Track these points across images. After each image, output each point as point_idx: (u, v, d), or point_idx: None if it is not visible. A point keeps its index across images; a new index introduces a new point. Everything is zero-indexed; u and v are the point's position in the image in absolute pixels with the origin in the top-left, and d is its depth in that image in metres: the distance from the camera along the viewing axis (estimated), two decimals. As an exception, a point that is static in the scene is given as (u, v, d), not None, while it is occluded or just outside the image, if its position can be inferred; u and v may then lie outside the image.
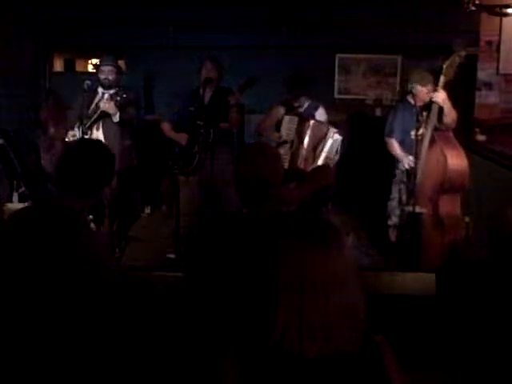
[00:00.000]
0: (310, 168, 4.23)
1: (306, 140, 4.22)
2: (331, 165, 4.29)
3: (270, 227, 1.84)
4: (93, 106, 4.51)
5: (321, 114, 4.49)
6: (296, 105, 4.37)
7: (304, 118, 4.31)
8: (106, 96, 4.53)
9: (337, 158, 4.30)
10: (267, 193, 2.09)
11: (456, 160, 3.86)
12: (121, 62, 6.86)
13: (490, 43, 5.31)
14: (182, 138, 4.41)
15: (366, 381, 1.24)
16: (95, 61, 6.44)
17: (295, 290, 1.24)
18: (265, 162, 2.12)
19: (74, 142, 2.51)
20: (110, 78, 4.51)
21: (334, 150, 4.24)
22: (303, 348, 1.22)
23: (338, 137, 4.25)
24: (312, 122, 4.29)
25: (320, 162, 4.25)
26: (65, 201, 1.87)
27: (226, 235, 2.10)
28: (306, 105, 4.46)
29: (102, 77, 4.52)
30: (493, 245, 1.90)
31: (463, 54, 3.73)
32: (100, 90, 4.56)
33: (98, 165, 1.96)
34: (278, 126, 4.37)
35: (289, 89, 4.41)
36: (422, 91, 4.11)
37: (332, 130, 4.26)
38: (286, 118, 4.32)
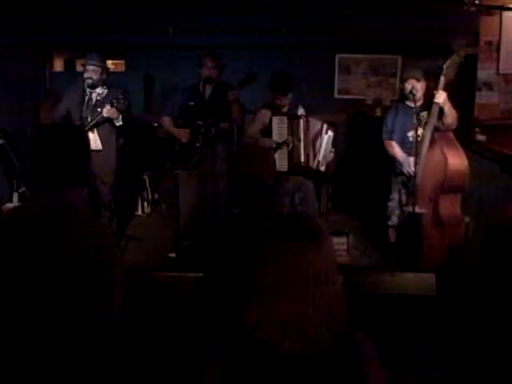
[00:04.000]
0: (312, 163, 4.24)
1: (302, 136, 4.21)
2: (327, 160, 4.32)
3: (249, 224, 1.88)
4: (84, 107, 4.49)
5: (301, 111, 4.48)
6: (283, 103, 4.32)
7: (293, 116, 4.30)
8: (94, 94, 4.51)
9: (332, 155, 4.33)
10: (262, 190, 2.13)
11: (456, 160, 3.84)
12: (121, 62, 6.90)
13: (489, 43, 5.31)
14: (182, 135, 4.42)
15: (342, 377, 1.25)
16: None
17: (268, 287, 1.25)
18: (259, 161, 2.25)
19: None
20: (94, 77, 4.46)
21: (330, 146, 4.29)
22: (276, 343, 1.23)
23: (331, 133, 4.29)
24: (303, 117, 4.28)
25: (321, 158, 4.27)
26: (53, 195, 1.80)
27: (224, 234, 2.14)
28: (288, 103, 4.43)
29: (85, 76, 4.47)
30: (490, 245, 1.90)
31: (463, 54, 3.73)
32: (87, 89, 4.55)
33: (72, 147, 1.82)
34: (267, 130, 4.31)
35: (275, 87, 4.35)
36: (406, 88, 4.13)
37: (325, 126, 4.29)
38: (275, 119, 4.25)
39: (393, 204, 4.34)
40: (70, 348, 1.66)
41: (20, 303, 1.66)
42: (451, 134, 3.98)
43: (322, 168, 4.34)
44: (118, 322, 1.78)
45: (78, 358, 1.67)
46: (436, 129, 3.90)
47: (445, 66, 3.76)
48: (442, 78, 3.78)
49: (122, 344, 1.80)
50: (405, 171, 4.15)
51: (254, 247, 1.30)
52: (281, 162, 4.12)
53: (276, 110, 4.31)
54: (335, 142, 4.46)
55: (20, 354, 1.64)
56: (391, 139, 4.34)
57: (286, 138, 4.18)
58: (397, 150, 4.27)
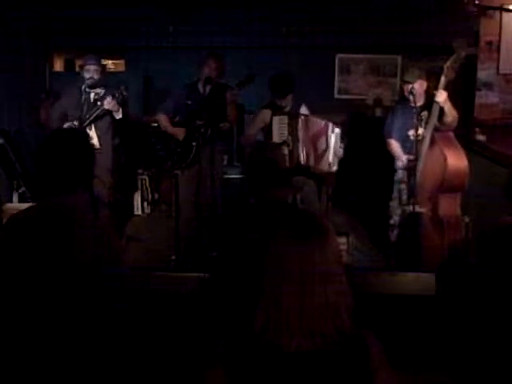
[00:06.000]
0: (315, 163, 4.22)
1: (301, 135, 4.20)
2: (338, 157, 4.30)
3: (258, 223, 1.88)
4: (84, 105, 4.50)
5: (304, 110, 4.46)
6: (284, 104, 4.32)
7: (293, 115, 4.28)
8: (92, 94, 4.52)
9: (342, 150, 4.31)
10: (276, 172, 2.27)
11: (456, 160, 3.85)
12: (121, 62, 6.89)
13: (490, 43, 5.31)
14: (178, 133, 4.42)
15: (348, 376, 1.25)
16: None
17: (275, 286, 1.27)
18: (272, 149, 2.53)
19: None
20: (95, 77, 4.50)
21: (338, 143, 4.27)
22: (283, 342, 1.24)
23: (337, 130, 4.27)
24: (302, 116, 4.26)
25: (331, 158, 4.25)
26: (57, 200, 1.79)
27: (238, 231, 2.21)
28: (290, 103, 4.41)
29: (87, 76, 4.49)
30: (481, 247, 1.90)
31: (463, 54, 3.74)
32: (86, 89, 4.55)
33: (78, 153, 1.83)
34: (268, 129, 4.30)
35: (274, 90, 4.35)
36: (406, 88, 4.14)
37: (330, 125, 4.25)
38: (275, 119, 4.23)
39: (394, 203, 4.34)
40: (81, 346, 1.66)
41: (28, 303, 1.66)
42: (451, 134, 3.99)
43: (334, 168, 4.29)
44: (128, 313, 1.78)
45: (86, 355, 1.67)
46: (436, 129, 3.91)
47: (445, 66, 3.77)
48: (443, 78, 3.79)
49: (127, 340, 1.80)
50: (399, 165, 4.18)
51: (261, 245, 1.30)
52: None
53: (277, 110, 4.30)
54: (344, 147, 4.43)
55: (29, 354, 1.64)
56: (391, 137, 4.35)
57: (286, 137, 4.17)
58: (395, 148, 4.29)
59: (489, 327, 1.84)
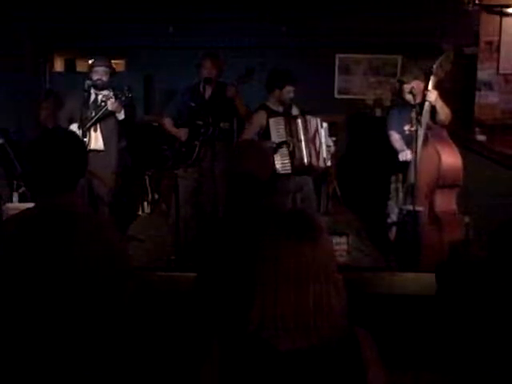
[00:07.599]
0: (316, 162, 4.23)
1: (303, 137, 4.20)
2: (331, 153, 4.36)
3: (249, 221, 1.89)
4: (91, 107, 4.50)
5: (296, 111, 4.45)
6: (288, 97, 4.30)
7: (290, 116, 4.28)
8: (100, 96, 4.52)
9: (332, 144, 4.40)
10: (255, 187, 2.16)
11: (449, 157, 3.92)
12: (121, 62, 6.90)
13: (490, 43, 5.32)
14: (181, 134, 4.44)
15: (341, 373, 1.26)
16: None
17: (271, 284, 1.28)
18: (254, 157, 2.25)
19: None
20: (104, 79, 4.49)
21: (328, 138, 4.35)
22: (278, 340, 1.25)
23: (325, 125, 4.36)
24: (300, 117, 4.26)
25: (325, 154, 4.28)
26: (57, 200, 1.79)
27: (222, 232, 2.16)
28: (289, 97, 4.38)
29: (95, 77, 4.48)
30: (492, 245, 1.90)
31: (452, 55, 3.86)
32: (93, 90, 4.55)
33: (69, 153, 1.80)
34: (265, 132, 4.29)
35: (270, 83, 4.34)
36: (405, 88, 4.17)
37: (319, 120, 4.31)
38: (272, 121, 4.20)
39: (392, 202, 4.37)
40: (82, 345, 1.66)
41: (31, 304, 1.66)
42: (444, 132, 4.05)
43: (329, 163, 4.36)
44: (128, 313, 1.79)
45: (87, 354, 1.68)
46: (429, 127, 3.97)
47: (435, 66, 3.87)
48: (432, 78, 3.89)
49: (127, 338, 1.81)
50: (400, 158, 4.20)
51: (254, 245, 1.32)
52: (283, 163, 4.12)
53: (271, 111, 4.30)
54: (335, 142, 4.48)
55: (29, 355, 1.65)
56: (392, 130, 4.40)
57: (284, 138, 4.16)
58: (395, 140, 4.33)
59: (488, 327, 1.84)
